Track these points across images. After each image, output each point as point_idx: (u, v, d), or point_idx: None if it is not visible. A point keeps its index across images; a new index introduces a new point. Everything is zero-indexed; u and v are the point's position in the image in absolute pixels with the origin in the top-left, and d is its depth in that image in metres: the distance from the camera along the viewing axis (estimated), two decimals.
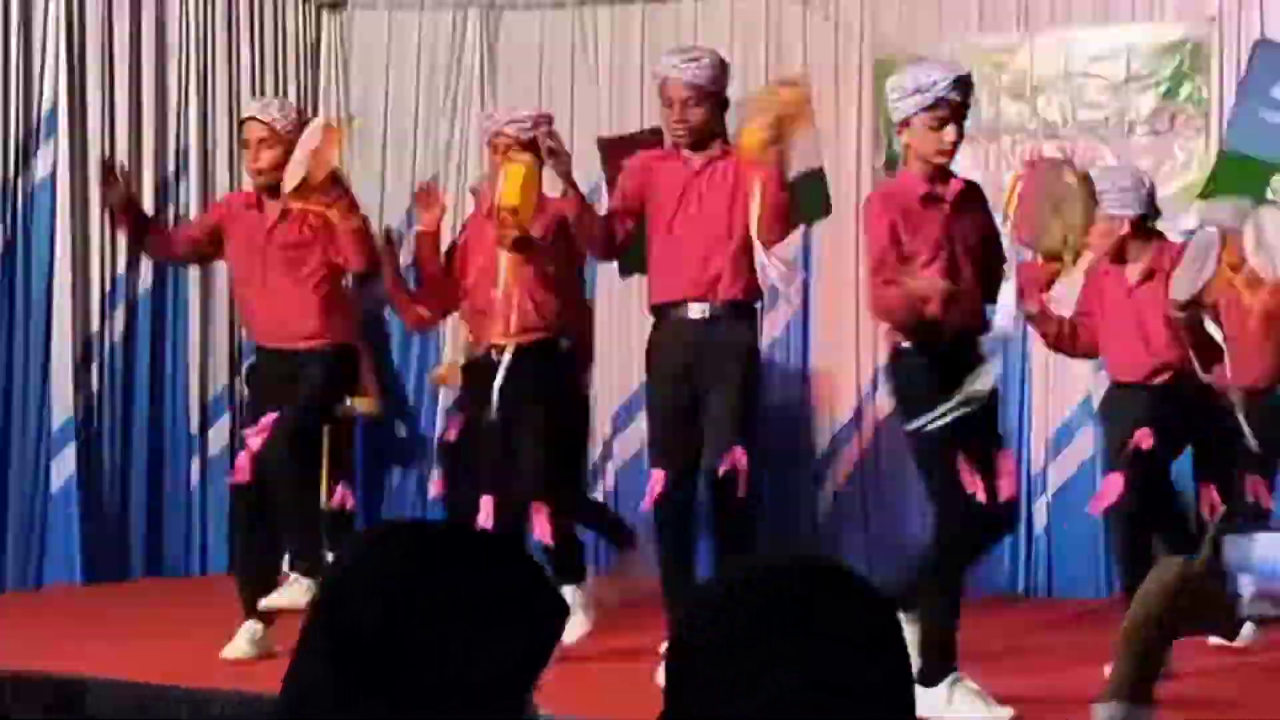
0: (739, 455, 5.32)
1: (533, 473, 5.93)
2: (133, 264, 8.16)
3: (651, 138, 8.65)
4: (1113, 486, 5.79)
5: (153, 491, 8.21)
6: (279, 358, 6.12)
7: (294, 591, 5.88)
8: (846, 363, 8.40)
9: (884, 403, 8.28)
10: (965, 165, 8.18)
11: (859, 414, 8.35)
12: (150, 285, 8.25)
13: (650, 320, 5.86)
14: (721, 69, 5.65)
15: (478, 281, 6.26)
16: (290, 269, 6.07)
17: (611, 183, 8.52)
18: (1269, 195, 7.26)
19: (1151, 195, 6.02)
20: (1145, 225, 5.95)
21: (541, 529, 5.88)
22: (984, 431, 5.12)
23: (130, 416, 8.17)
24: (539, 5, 9.11)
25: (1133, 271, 5.95)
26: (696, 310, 5.53)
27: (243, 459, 6.07)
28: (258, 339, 6.39)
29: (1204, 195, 7.20)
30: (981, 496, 5.04)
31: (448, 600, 1.59)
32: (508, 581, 1.63)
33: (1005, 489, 5.11)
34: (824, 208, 8.24)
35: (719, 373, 5.46)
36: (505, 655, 1.60)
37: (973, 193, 5.29)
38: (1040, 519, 7.99)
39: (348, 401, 8.29)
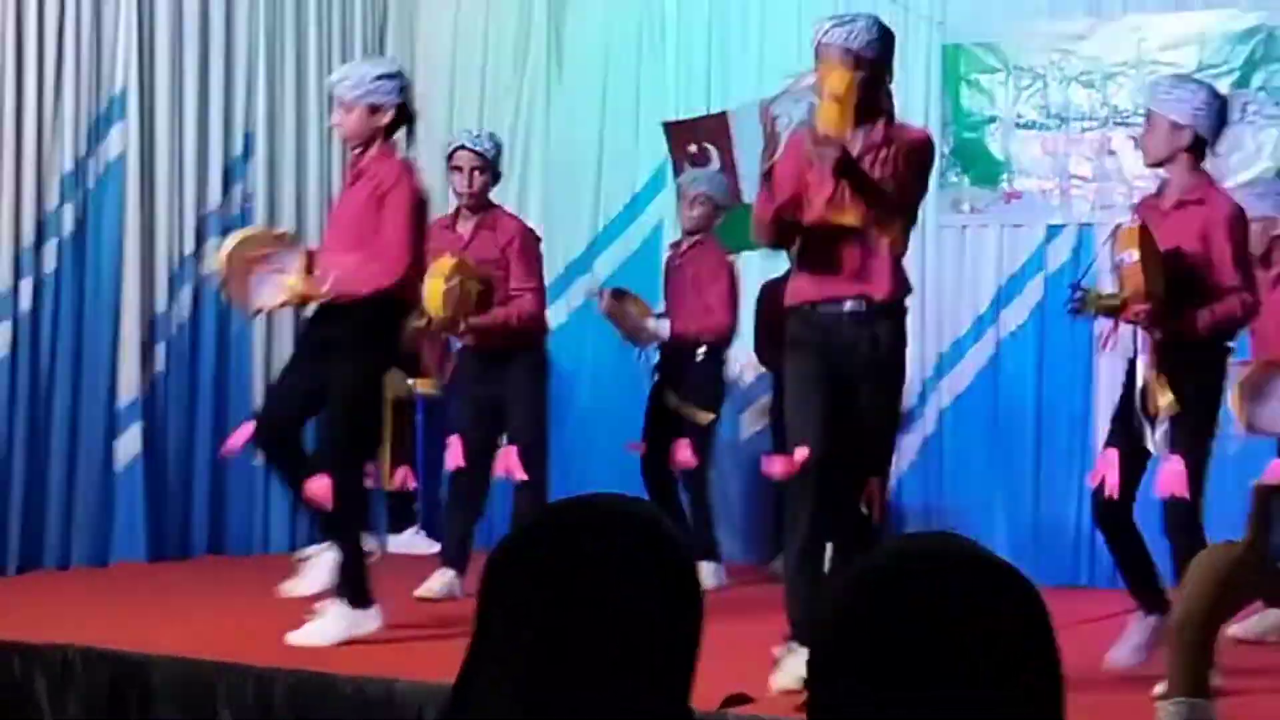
0: (873, 489, 4.96)
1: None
2: (199, 245, 8.22)
3: (717, 122, 8.66)
4: None
5: (216, 470, 8.26)
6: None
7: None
8: (910, 350, 8.37)
9: (946, 390, 8.29)
10: (1034, 153, 8.21)
11: (923, 399, 8.33)
12: None
13: None
14: (879, 36, 5.00)
15: None
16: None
17: (678, 167, 8.54)
18: None
19: None
20: None
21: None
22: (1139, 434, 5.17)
23: (195, 396, 8.22)
24: None
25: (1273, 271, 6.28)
26: (848, 305, 5.02)
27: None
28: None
29: None
30: (1109, 491, 5.15)
31: (597, 588, 1.59)
32: (658, 560, 1.63)
33: (1158, 486, 5.14)
34: None
35: (864, 382, 5.02)
36: (664, 638, 1.60)
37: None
38: None
39: (410, 382, 8.32)
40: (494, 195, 7.21)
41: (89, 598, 6.77)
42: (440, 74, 9.34)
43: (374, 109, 5.85)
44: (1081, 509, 7.92)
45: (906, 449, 8.38)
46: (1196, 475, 5.09)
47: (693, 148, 8.60)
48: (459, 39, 9.34)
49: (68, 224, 7.71)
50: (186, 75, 8.22)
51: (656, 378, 7.79)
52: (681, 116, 8.77)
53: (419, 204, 5.88)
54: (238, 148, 8.47)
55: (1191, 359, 5.13)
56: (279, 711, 5.20)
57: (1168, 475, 5.08)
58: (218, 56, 8.38)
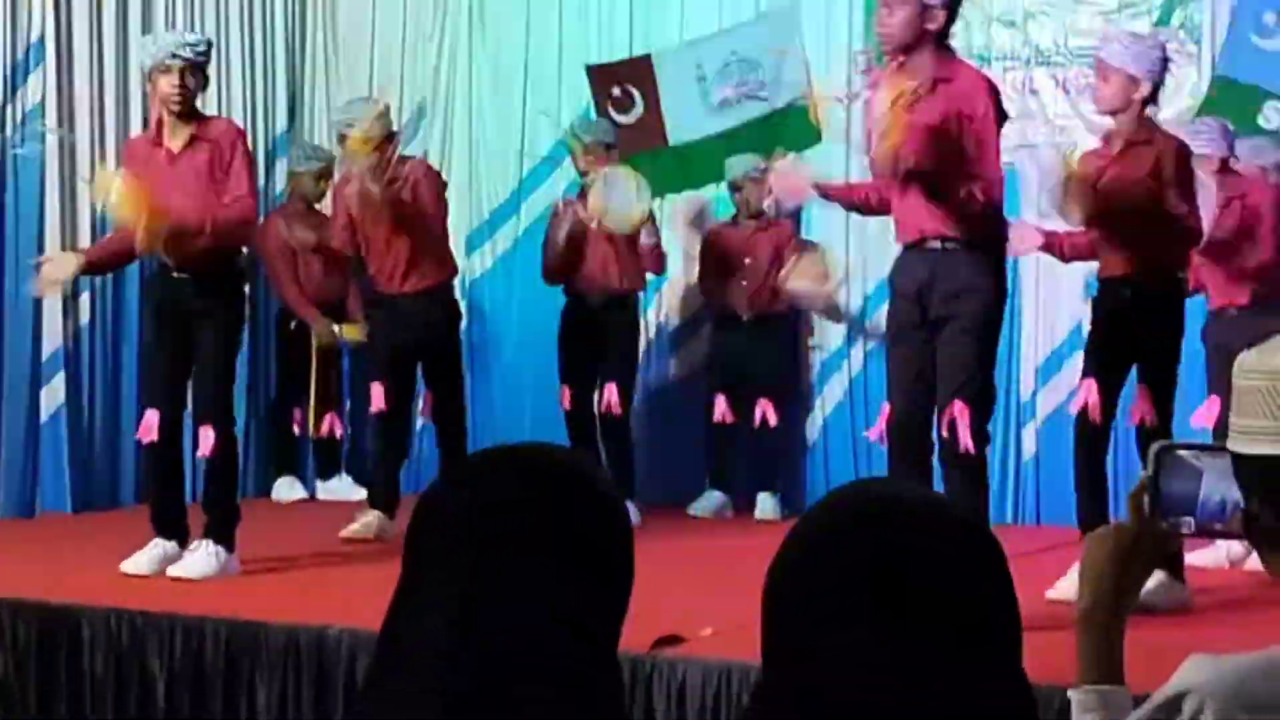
0: (959, 409, 5.07)
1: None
2: None
3: (641, 65, 8.64)
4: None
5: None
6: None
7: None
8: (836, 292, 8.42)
9: (870, 330, 8.33)
10: None
11: (849, 340, 8.37)
12: None
13: None
14: None
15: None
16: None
17: (600, 110, 8.52)
18: (1260, 122, 7.27)
19: (1232, 142, 6.74)
20: (1227, 165, 6.67)
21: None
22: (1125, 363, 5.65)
23: (120, 345, 8.16)
24: None
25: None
26: (933, 243, 5.17)
27: None
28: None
29: None
30: (1092, 415, 5.56)
31: (530, 533, 1.58)
32: (589, 508, 1.62)
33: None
34: (814, 135, 8.24)
35: (950, 311, 5.13)
36: (595, 591, 1.60)
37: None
38: (1029, 446, 8.02)
39: (335, 329, 8.30)
40: (417, 142, 7.21)
41: (15, 549, 6.73)
42: (362, 23, 9.26)
43: (205, 76, 6.18)
44: (1007, 447, 7.99)
45: (834, 388, 8.43)
46: (1165, 403, 5.61)
47: (616, 91, 8.57)
48: None
49: None
50: (105, 22, 8.14)
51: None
52: (604, 60, 8.74)
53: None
54: None
55: (1155, 293, 5.57)
56: (209, 660, 5.20)
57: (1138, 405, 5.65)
58: (136, 3, 8.29)
